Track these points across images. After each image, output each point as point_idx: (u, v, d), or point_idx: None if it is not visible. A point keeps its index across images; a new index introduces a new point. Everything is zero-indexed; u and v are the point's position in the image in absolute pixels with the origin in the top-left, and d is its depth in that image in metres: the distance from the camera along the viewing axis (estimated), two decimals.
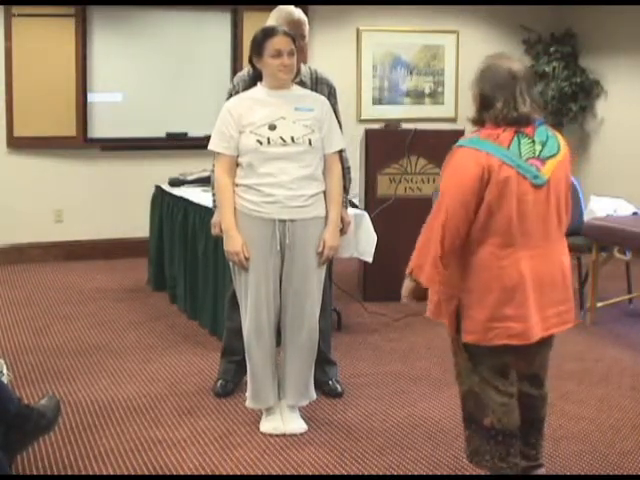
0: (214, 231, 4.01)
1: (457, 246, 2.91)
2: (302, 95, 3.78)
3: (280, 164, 3.62)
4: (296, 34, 3.87)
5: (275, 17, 4.04)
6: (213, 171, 3.89)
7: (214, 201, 4.05)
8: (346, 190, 4.20)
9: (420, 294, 3.04)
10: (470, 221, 2.88)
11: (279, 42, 3.63)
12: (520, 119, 2.89)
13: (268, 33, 3.66)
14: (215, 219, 3.98)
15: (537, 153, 2.90)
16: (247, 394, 3.88)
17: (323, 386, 4.22)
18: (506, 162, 2.85)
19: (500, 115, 2.89)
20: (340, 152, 3.88)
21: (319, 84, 4.13)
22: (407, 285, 3.03)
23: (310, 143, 3.66)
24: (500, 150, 2.86)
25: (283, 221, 3.66)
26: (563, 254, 3.06)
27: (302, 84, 4.02)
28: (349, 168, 4.24)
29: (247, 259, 3.66)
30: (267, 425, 3.82)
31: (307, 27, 4.07)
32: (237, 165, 3.71)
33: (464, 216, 2.86)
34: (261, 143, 3.61)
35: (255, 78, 3.80)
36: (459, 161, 2.91)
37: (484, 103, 2.92)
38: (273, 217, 3.64)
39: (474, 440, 3.09)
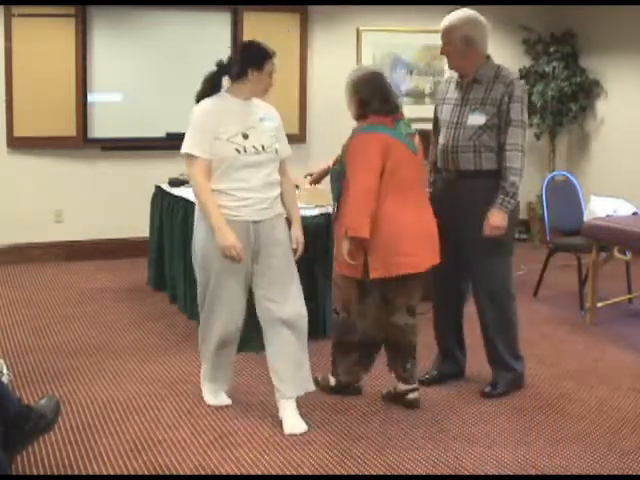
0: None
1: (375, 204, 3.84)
2: (259, 106, 3.93)
3: (251, 170, 3.78)
4: (445, 39, 4.15)
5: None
6: None
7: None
8: (509, 193, 4.06)
9: (355, 252, 3.88)
10: (378, 184, 3.85)
11: (273, 65, 3.84)
12: (393, 110, 3.96)
13: (270, 54, 3.83)
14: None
15: (410, 131, 4.00)
16: (205, 391, 4.11)
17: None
18: (396, 138, 3.90)
19: (379, 110, 3.92)
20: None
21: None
22: (346, 246, 3.87)
23: (276, 152, 3.87)
24: (390, 130, 3.91)
25: (255, 222, 3.82)
26: (430, 208, 4.07)
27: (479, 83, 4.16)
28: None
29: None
30: (209, 397, 4.11)
31: (457, 31, 4.12)
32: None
33: (377, 180, 3.85)
34: (239, 152, 3.75)
35: (214, 80, 3.86)
36: (364, 142, 3.89)
37: (364, 104, 3.94)
38: (247, 219, 3.79)
39: (334, 355, 4.21)
